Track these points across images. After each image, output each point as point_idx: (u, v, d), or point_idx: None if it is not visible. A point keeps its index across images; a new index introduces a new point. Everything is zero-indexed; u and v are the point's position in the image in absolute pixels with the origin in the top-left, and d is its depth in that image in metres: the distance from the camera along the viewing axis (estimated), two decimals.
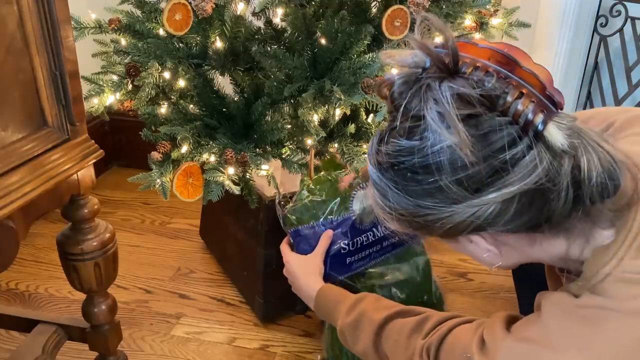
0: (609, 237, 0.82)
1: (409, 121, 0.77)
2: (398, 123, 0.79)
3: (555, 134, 0.74)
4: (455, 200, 0.77)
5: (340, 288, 1.31)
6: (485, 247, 0.86)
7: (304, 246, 1.42)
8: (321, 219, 1.43)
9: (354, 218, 1.43)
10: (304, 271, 1.36)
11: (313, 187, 1.46)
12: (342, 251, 1.41)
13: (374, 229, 1.45)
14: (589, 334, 0.80)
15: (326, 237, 1.40)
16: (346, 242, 1.41)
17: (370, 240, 1.45)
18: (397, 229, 0.88)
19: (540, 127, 0.73)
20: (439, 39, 0.81)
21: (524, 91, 0.75)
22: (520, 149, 0.74)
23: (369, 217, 1.45)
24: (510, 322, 0.91)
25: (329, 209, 1.43)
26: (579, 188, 0.75)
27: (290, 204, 1.47)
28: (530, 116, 0.73)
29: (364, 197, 1.44)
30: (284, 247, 1.45)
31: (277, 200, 1.49)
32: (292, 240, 1.46)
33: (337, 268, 1.41)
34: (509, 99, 0.74)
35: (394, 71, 0.80)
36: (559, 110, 0.77)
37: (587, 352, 0.79)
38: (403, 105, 0.78)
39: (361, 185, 1.45)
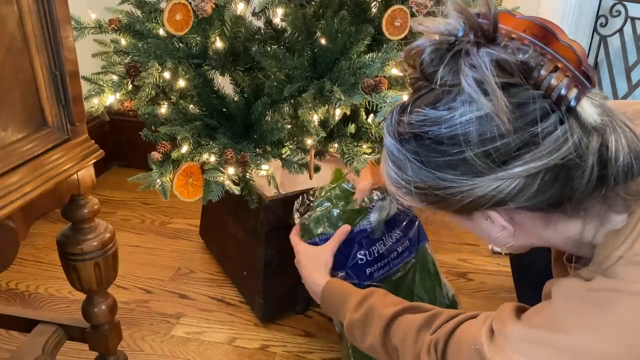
0: (622, 221, 0.82)
1: (436, 90, 0.76)
2: (423, 92, 0.78)
3: (588, 110, 0.74)
4: (479, 173, 0.76)
5: (347, 283, 1.31)
6: (501, 223, 0.85)
7: None
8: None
9: (369, 230, 1.43)
10: (311, 264, 1.36)
11: (332, 197, 1.46)
12: (360, 262, 1.40)
13: (383, 237, 1.45)
14: (602, 316, 0.79)
15: (341, 232, 1.40)
16: (362, 252, 1.41)
17: (386, 248, 1.44)
18: (410, 204, 0.87)
19: (573, 102, 0.73)
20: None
21: (559, 65, 0.74)
22: (551, 123, 0.73)
23: (380, 226, 1.45)
24: (519, 311, 0.90)
25: (348, 220, 1.44)
26: (604, 167, 0.75)
27: (308, 212, 1.47)
28: (563, 91, 0.73)
29: (381, 209, 1.44)
30: (294, 237, 1.45)
31: (295, 207, 1.49)
32: None
33: (356, 277, 1.40)
34: (543, 72, 0.73)
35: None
36: (592, 87, 0.76)
37: (599, 335, 0.78)
38: (431, 73, 0.77)
39: (379, 196, 1.45)
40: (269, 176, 1.49)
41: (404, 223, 1.49)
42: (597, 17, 2.23)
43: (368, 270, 1.41)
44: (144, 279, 1.94)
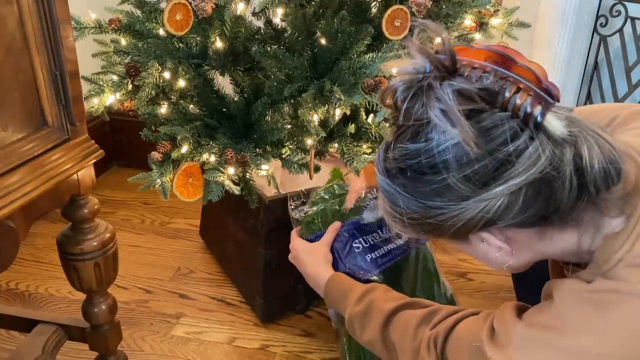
0: (619, 225, 0.83)
1: (413, 125, 0.80)
2: (403, 129, 0.82)
3: (554, 124, 0.77)
4: (464, 197, 0.79)
5: (350, 277, 1.31)
6: (497, 244, 0.87)
7: None
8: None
9: (361, 222, 1.44)
10: (313, 259, 1.37)
11: (327, 196, 1.47)
12: (357, 250, 1.40)
13: (379, 230, 1.45)
14: (603, 318, 0.80)
15: (333, 228, 1.41)
16: (357, 241, 1.41)
17: (382, 238, 1.44)
18: (409, 234, 0.91)
19: (539, 118, 0.76)
20: (435, 46, 0.84)
21: (520, 86, 0.77)
22: (522, 141, 0.76)
23: (376, 222, 1.46)
24: (521, 310, 0.91)
25: (342, 218, 1.45)
26: (582, 176, 0.78)
27: (305, 210, 1.47)
28: (528, 109, 0.76)
29: (375, 207, 1.45)
30: (294, 234, 1.45)
31: (289, 204, 1.50)
32: None
33: (358, 267, 1.39)
34: (507, 94, 0.77)
35: (396, 79, 0.83)
36: (556, 103, 0.79)
37: (601, 336, 0.80)
38: (406, 110, 0.80)
39: (373, 195, 1.46)
40: (269, 176, 1.49)
41: None
42: (597, 17, 2.23)
43: (368, 257, 1.40)
44: (144, 279, 1.94)
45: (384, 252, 1.43)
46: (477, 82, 0.78)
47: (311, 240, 1.43)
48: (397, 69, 0.84)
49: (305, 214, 1.47)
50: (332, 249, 1.40)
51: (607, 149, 0.79)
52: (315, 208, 1.47)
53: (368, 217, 1.45)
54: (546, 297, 0.90)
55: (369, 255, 1.41)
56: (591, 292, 0.82)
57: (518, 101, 0.76)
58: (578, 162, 0.77)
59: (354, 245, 1.41)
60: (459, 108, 0.75)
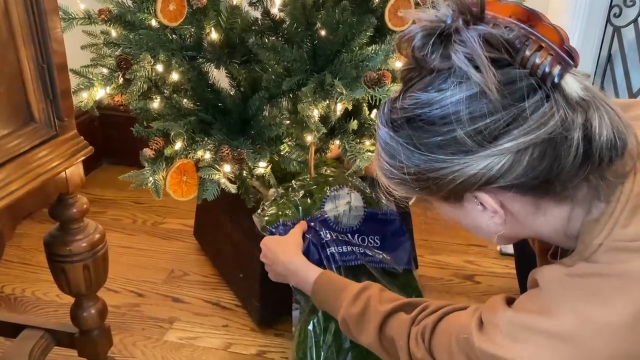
0: (601, 210, 0.85)
1: (428, 75, 0.81)
2: (416, 79, 0.83)
3: (572, 85, 0.78)
4: (470, 152, 0.80)
5: (341, 276, 1.31)
6: (493, 206, 0.87)
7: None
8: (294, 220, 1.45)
9: (326, 216, 1.45)
10: (284, 248, 1.37)
11: (285, 191, 1.49)
12: (315, 241, 1.41)
13: (348, 234, 1.47)
14: (583, 298, 0.84)
15: (300, 224, 1.42)
16: (320, 234, 1.41)
17: (347, 239, 1.45)
18: (403, 193, 0.91)
19: (556, 79, 0.77)
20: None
21: (542, 45, 0.78)
22: (538, 99, 0.77)
23: (344, 219, 1.48)
24: (510, 301, 0.94)
25: (304, 210, 1.46)
26: (589, 143, 0.79)
27: (266, 209, 1.47)
28: (547, 69, 0.77)
29: (335, 198, 1.47)
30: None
31: (255, 215, 1.49)
32: None
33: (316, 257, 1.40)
34: (527, 52, 0.78)
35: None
36: (575, 66, 0.81)
37: (585, 319, 0.82)
38: (422, 58, 0.81)
39: (335, 187, 1.48)
40: (267, 174, 1.49)
41: (391, 237, 1.52)
42: (611, 7, 2.23)
43: (329, 251, 1.40)
44: (135, 281, 1.92)
45: (347, 251, 1.43)
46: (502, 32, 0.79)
47: (276, 228, 1.43)
48: (418, 14, 0.83)
49: (266, 213, 1.47)
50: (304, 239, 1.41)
51: (616, 121, 0.80)
52: (278, 201, 1.47)
53: (329, 208, 1.46)
54: (532, 284, 0.93)
55: (329, 249, 1.41)
56: (571, 276, 0.86)
57: (538, 60, 0.77)
58: (587, 129, 0.78)
59: (312, 238, 1.41)
60: (485, 53, 0.76)
